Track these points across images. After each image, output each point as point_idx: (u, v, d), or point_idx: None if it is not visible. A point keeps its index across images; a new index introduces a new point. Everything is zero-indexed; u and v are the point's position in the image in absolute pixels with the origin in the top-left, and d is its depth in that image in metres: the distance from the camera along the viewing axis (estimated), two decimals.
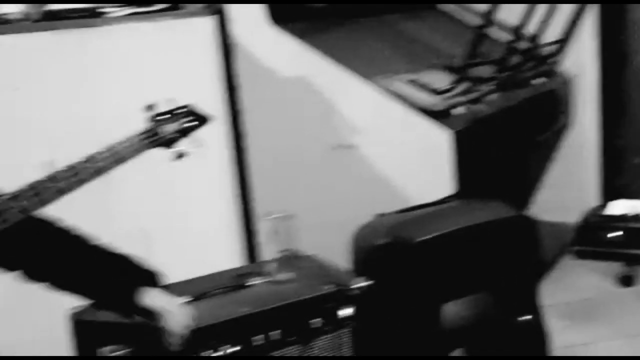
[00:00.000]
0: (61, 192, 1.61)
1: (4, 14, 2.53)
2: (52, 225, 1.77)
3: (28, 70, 2.43)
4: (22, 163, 2.35)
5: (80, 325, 1.93)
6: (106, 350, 1.76)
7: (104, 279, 1.75)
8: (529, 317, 2.44)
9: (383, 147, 2.88)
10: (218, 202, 2.81)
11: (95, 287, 1.76)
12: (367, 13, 3.55)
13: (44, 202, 1.60)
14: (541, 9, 3.42)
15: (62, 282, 1.75)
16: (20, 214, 1.57)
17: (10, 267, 1.73)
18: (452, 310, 2.34)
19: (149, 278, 1.80)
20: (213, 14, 2.71)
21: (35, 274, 1.75)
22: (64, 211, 1.75)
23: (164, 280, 1.83)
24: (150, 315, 1.73)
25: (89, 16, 2.58)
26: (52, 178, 1.60)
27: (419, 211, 2.52)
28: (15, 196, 1.57)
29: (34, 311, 2.46)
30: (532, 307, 2.48)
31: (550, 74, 3.75)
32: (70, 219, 1.76)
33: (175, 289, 2.04)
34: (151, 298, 1.73)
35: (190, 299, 1.99)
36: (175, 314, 1.75)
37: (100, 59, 2.53)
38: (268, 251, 2.13)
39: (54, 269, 1.74)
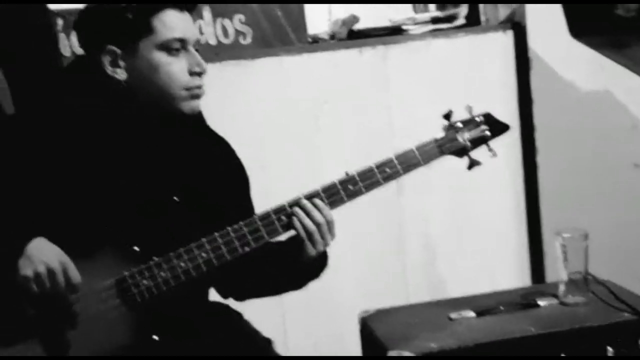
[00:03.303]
0: (352, 195, 1.67)
1: (315, 35, 2.76)
2: None
3: (336, 84, 2.62)
4: (328, 169, 2.52)
5: (369, 327, 2.00)
6: (394, 353, 1.82)
7: None
8: None
9: None
10: (507, 217, 2.78)
11: None
12: None
13: (335, 204, 1.67)
14: None
15: None
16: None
17: None
18: None
19: None
20: (511, 28, 2.70)
21: None
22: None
23: None
24: None
25: (391, 33, 2.72)
26: (344, 182, 1.67)
27: None
28: (311, 197, 1.65)
29: (324, 312, 2.65)
30: None
31: None
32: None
33: (458, 303, 2.07)
34: None
35: (474, 315, 1.99)
36: None
37: (400, 73, 2.65)
38: (557, 272, 2.05)
39: None
